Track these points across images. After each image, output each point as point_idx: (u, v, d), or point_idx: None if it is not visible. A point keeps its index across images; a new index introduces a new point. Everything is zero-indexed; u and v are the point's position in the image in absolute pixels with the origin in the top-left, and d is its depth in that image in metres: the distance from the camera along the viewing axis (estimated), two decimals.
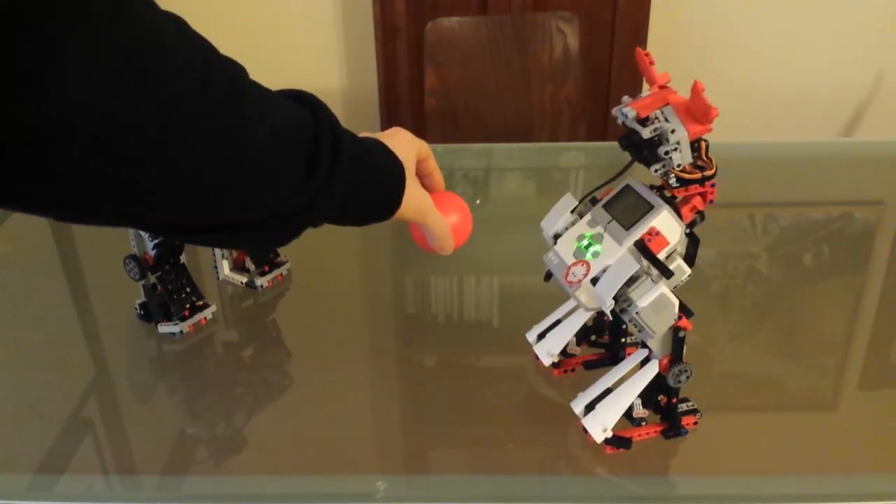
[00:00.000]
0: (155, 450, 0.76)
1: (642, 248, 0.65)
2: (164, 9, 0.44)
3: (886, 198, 1.24)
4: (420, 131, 0.67)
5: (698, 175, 0.65)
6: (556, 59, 1.73)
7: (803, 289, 1.01)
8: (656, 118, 0.64)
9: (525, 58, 1.73)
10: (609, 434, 0.70)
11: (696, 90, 0.61)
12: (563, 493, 0.70)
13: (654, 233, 0.65)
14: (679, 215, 0.66)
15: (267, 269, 1.00)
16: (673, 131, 0.63)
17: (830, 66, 2.18)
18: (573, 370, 0.82)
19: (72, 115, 0.38)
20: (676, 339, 0.69)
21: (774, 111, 2.22)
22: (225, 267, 1.01)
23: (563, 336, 0.77)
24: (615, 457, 0.72)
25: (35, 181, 0.40)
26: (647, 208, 0.66)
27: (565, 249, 0.70)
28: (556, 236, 0.72)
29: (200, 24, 0.47)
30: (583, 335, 0.83)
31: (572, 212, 0.72)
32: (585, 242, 0.69)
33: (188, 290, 0.92)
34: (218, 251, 1.00)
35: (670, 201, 0.66)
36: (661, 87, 0.66)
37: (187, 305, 0.91)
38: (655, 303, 0.65)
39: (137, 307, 0.93)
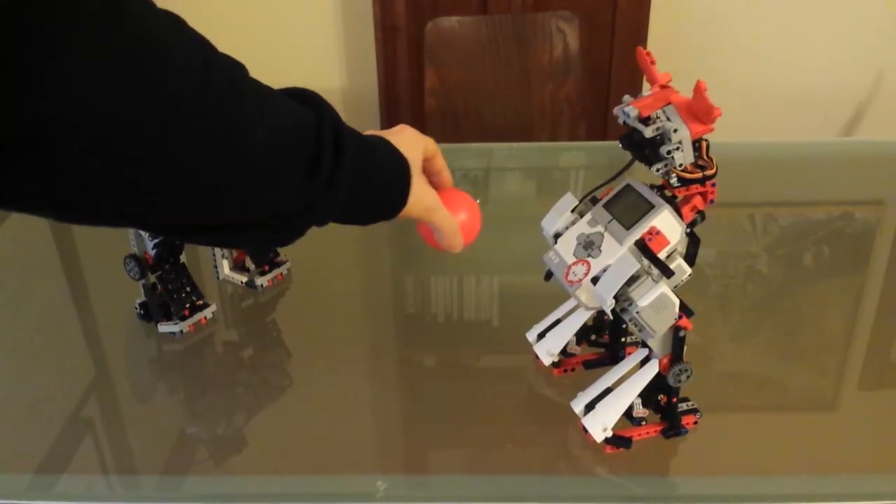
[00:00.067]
0: (155, 450, 0.76)
1: (643, 247, 0.65)
2: (162, 8, 0.44)
3: (886, 198, 1.24)
4: (420, 131, 0.67)
5: (699, 174, 0.65)
6: (556, 59, 1.73)
7: (803, 289, 1.01)
8: (658, 117, 0.64)
9: (525, 58, 1.73)
10: (609, 433, 0.70)
11: (698, 90, 0.61)
12: (563, 493, 0.70)
13: (654, 232, 0.65)
14: (679, 215, 0.66)
15: (267, 268, 1.00)
16: (675, 130, 0.63)
17: (830, 66, 2.18)
18: (573, 370, 0.82)
19: (72, 115, 0.38)
20: (677, 339, 0.69)
21: (774, 111, 2.22)
22: (225, 266, 1.01)
23: (563, 335, 0.77)
24: (615, 456, 0.72)
25: (35, 181, 0.40)
26: (648, 208, 0.66)
27: (566, 249, 0.70)
28: (557, 236, 0.72)
29: (200, 23, 0.47)
30: (583, 335, 0.83)
31: (573, 211, 0.72)
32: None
33: (188, 289, 0.92)
34: (218, 251, 1.00)
35: (671, 201, 0.66)
36: (663, 87, 0.66)
37: (187, 305, 0.91)
38: (656, 302, 0.65)
39: (137, 307, 0.93)
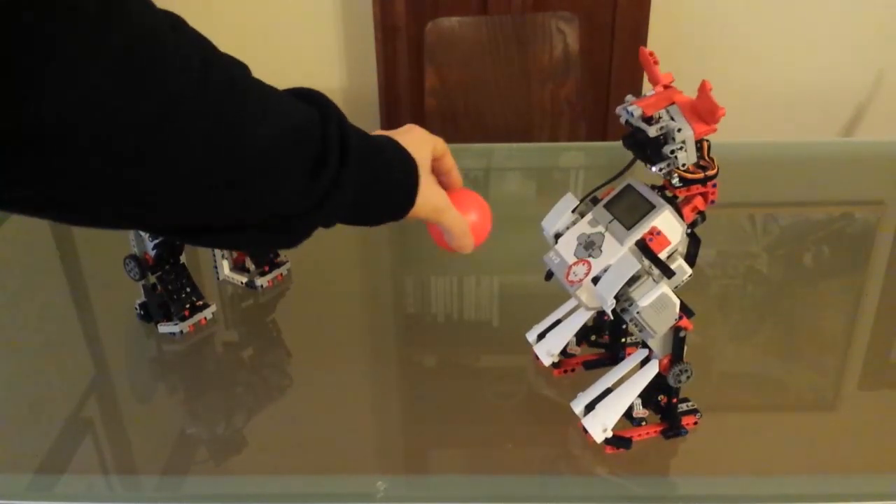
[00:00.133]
0: (155, 450, 0.76)
1: (643, 247, 0.65)
2: (162, 8, 0.44)
3: (886, 198, 1.24)
4: None
5: (701, 175, 0.65)
6: (556, 59, 1.73)
7: (803, 289, 1.01)
8: (661, 117, 0.64)
9: (525, 58, 1.73)
10: (609, 434, 0.70)
11: (703, 89, 0.61)
12: (563, 493, 0.70)
13: (655, 232, 0.65)
14: (680, 215, 0.66)
15: (267, 269, 1.00)
16: (679, 130, 0.63)
17: (830, 66, 2.18)
18: (573, 370, 0.82)
19: (72, 115, 0.38)
20: (677, 339, 0.69)
21: (774, 111, 2.22)
22: (225, 267, 1.01)
23: (563, 336, 0.77)
24: (615, 457, 0.72)
25: (35, 181, 0.40)
26: (649, 208, 0.66)
27: (566, 249, 0.70)
28: (557, 236, 0.72)
29: (200, 24, 0.47)
30: (583, 335, 0.83)
31: (573, 211, 0.72)
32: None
33: (188, 290, 0.92)
34: (218, 251, 1.00)
35: (672, 201, 0.66)
36: (666, 87, 0.66)
37: (187, 305, 0.91)
38: (656, 302, 0.65)
39: (137, 307, 0.93)
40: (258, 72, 0.50)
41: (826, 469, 0.72)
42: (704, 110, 0.62)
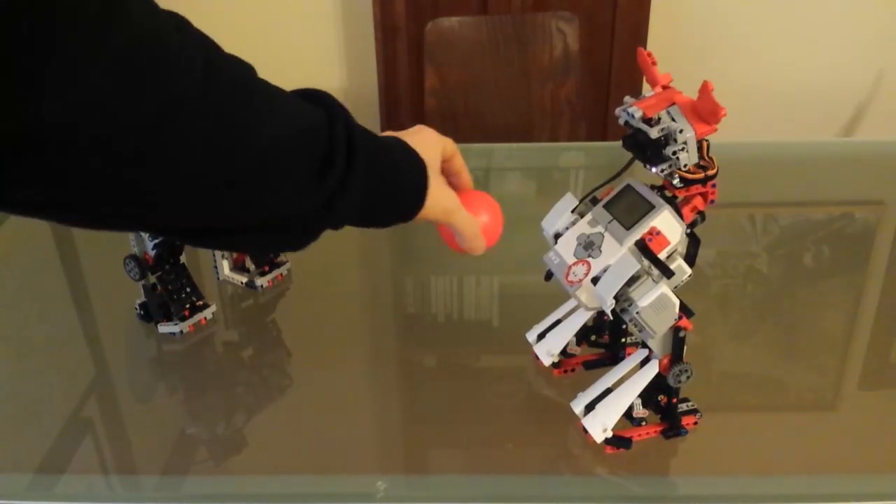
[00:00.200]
0: (155, 450, 0.76)
1: (643, 247, 0.65)
2: (166, 9, 0.44)
3: (886, 198, 1.24)
4: None
5: (701, 175, 0.65)
6: (556, 59, 1.73)
7: (803, 289, 1.01)
8: (661, 118, 0.64)
9: (525, 58, 1.73)
10: (609, 434, 0.70)
11: (705, 89, 0.61)
12: (563, 493, 0.70)
13: (654, 233, 0.65)
14: (680, 215, 0.66)
15: (267, 269, 1.00)
16: (681, 131, 0.63)
17: (830, 66, 2.18)
18: (573, 370, 0.82)
19: (72, 115, 0.38)
20: (677, 339, 0.69)
21: (774, 111, 2.22)
22: (225, 267, 1.01)
23: (563, 336, 0.77)
24: (615, 457, 0.72)
25: (35, 182, 0.40)
26: (648, 208, 0.66)
27: (566, 249, 0.70)
28: (557, 236, 0.72)
29: (200, 24, 0.47)
30: (583, 335, 0.83)
31: (573, 211, 0.72)
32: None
33: (188, 290, 0.92)
34: (218, 251, 1.00)
35: (671, 201, 0.66)
36: (665, 87, 0.66)
37: (187, 305, 0.91)
38: (656, 302, 0.65)
39: (137, 307, 0.93)
40: (258, 72, 0.50)
41: (826, 469, 0.72)
42: (705, 111, 0.62)
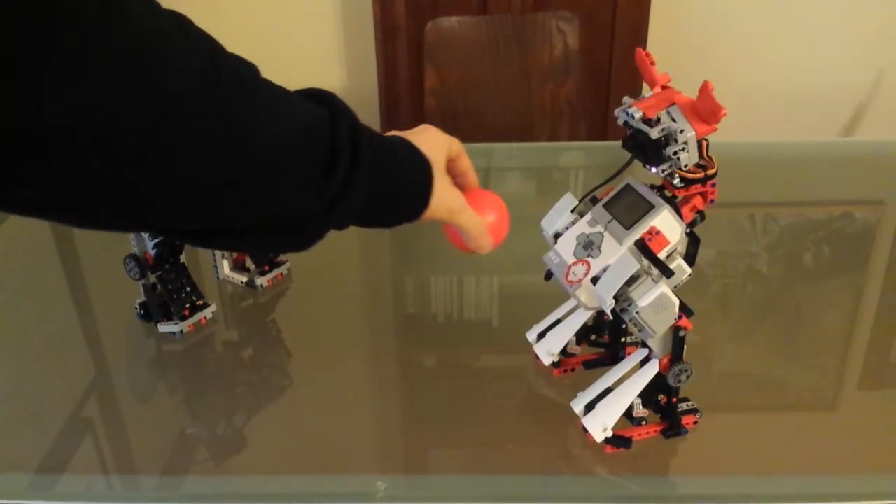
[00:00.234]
0: (155, 450, 0.76)
1: (643, 247, 0.65)
2: (168, 9, 0.44)
3: (886, 198, 1.24)
4: None
5: (701, 174, 0.65)
6: (556, 59, 1.73)
7: (803, 289, 1.01)
8: (662, 118, 0.63)
9: (525, 58, 1.73)
10: (609, 433, 0.70)
11: (706, 89, 0.61)
12: (563, 493, 0.70)
13: (654, 232, 0.65)
14: (679, 215, 0.66)
15: (267, 268, 1.00)
16: (681, 131, 0.63)
17: (830, 66, 2.18)
18: (573, 370, 0.82)
19: (71, 115, 0.38)
20: (676, 339, 0.69)
21: (774, 111, 2.22)
22: (225, 266, 1.01)
23: (563, 335, 0.77)
24: (615, 457, 0.72)
25: (35, 182, 0.40)
26: (648, 208, 0.66)
27: (566, 249, 0.70)
28: (557, 236, 0.72)
29: (200, 24, 0.47)
30: (583, 335, 0.83)
31: (572, 211, 0.72)
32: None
33: (188, 289, 0.92)
34: (218, 251, 1.00)
35: (671, 201, 0.66)
36: (664, 88, 0.66)
37: (187, 305, 0.91)
38: (656, 302, 0.65)
39: (137, 307, 0.93)
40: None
41: (826, 469, 0.72)
42: (706, 110, 0.62)
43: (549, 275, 0.72)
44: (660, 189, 0.68)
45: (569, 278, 0.68)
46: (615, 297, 0.65)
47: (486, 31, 1.72)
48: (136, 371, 0.88)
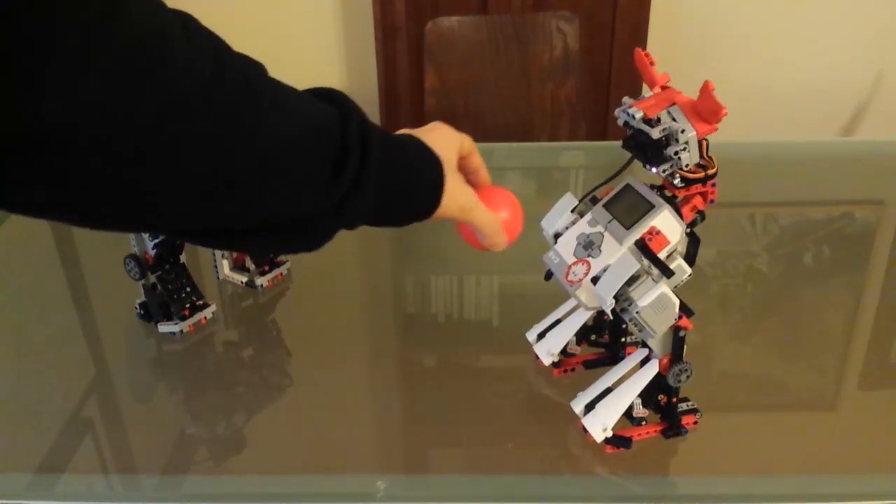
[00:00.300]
0: (155, 450, 0.76)
1: (643, 247, 0.65)
2: (172, 8, 0.44)
3: (886, 198, 1.24)
4: None
5: (702, 174, 0.65)
6: (556, 59, 1.73)
7: (803, 289, 1.01)
8: (662, 118, 0.63)
9: (525, 58, 1.73)
10: (609, 433, 0.70)
11: (706, 89, 0.61)
12: (563, 493, 0.70)
13: (654, 232, 0.65)
14: (680, 215, 0.66)
15: (267, 268, 1.00)
16: (682, 131, 0.63)
17: (830, 66, 2.18)
18: (573, 370, 0.82)
19: (72, 115, 0.38)
20: (677, 339, 0.69)
21: (774, 111, 2.22)
22: (225, 266, 1.01)
23: (563, 335, 0.77)
24: (615, 456, 0.72)
25: (35, 182, 0.40)
26: (648, 207, 0.66)
27: (566, 249, 0.70)
28: (557, 236, 0.72)
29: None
30: (583, 335, 0.83)
31: (573, 211, 0.72)
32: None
33: (188, 289, 0.92)
34: (218, 251, 1.00)
35: (671, 201, 0.66)
36: (663, 88, 0.66)
37: (187, 305, 0.91)
38: (656, 302, 0.65)
39: (137, 307, 0.93)
40: None
41: (826, 469, 0.72)
42: (706, 110, 0.62)
43: (549, 275, 0.72)
44: (660, 189, 0.68)
45: (569, 278, 0.68)
46: (615, 297, 0.65)
47: (486, 31, 1.72)
48: (136, 371, 0.88)
